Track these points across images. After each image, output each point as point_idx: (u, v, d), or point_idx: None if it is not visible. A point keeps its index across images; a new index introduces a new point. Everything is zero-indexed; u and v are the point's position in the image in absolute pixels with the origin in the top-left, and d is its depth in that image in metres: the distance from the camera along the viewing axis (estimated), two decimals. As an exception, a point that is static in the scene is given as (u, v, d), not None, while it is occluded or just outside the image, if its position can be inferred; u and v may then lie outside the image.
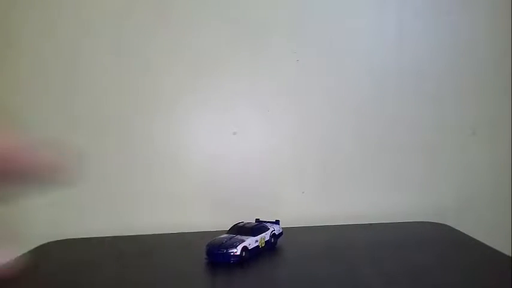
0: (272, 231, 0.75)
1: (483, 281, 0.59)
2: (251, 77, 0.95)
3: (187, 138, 0.96)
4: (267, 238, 0.73)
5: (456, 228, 0.86)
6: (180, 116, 0.95)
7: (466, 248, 0.75)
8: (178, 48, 0.94)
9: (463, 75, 0.97)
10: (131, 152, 0.94)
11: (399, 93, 0.96)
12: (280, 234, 0.78)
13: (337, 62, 0.96)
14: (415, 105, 0.97)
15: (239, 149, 0.96)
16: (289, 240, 0.78)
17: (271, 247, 0.74)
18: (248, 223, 0.75)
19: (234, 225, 0.75)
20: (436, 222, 0.91)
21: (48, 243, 0.86)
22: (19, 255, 0.78)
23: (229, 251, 0.66)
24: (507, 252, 0.69)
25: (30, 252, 0.80)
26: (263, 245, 0.72)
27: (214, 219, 0.89)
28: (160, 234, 0.89)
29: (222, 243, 0.67)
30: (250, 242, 0.69)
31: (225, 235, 0.71)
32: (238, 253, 0.66)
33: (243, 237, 0.69)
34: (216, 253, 0.67)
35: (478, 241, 0.76)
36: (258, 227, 0.73)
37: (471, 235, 0.80)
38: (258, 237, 0.71)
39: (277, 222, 0.79)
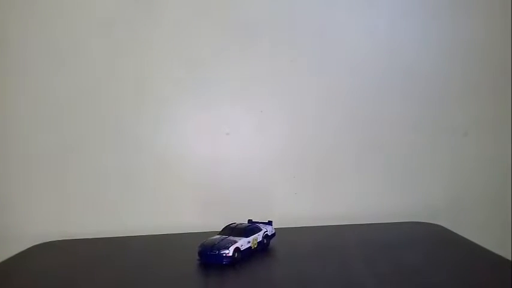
0: (265, 232, 0.75)
1: (475, 281, 0.60)
2: (244, 78, 0.95)
3: (179, 139, 0.95)
4: (260, 239, 0.73)
5: (448, 228, 0.86)
6: (173, 116, 0.95)
7: (457, 248, 0.75)
8: (170, 49, 0.94)
9: (455, 76, 0.97)
10: (123, 153, 0.94)
11: (391, 94, 0.97)
12: (273, 235, 0.78)
13: (330, 63, 0.96)
14: (407, 106, 0.97)
15: (232, 149, 0.95)
16: (282, 241, 0.78)
17: (263, 248, 0.74)
18: (240, 224, 0.75)
19: (227, 226, 0.75)
20: (428, 222, 0.91)
21: (38, 245, 0.85)
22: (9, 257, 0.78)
23: (222, 252, 0.65)
24: (498, 251, 0.69)
25: (20, 254, 0.80)
26: (256, 246, 0.72)
27: (207, 220, 0.88)
28: (152, 235, 0.88)
29: (214, 244, 0.67)
30: (243, 243, 0.68)
31: (217, 236, 0.71)
32: (230, 254, 0.65)
33: (236, 238, 0.69)
34: (208, 254, 0.66)
35: (469, 241, 0.77)
36: (250, 228, 0.73)
37: (463, 235, 0.80)
38: (251, 238, 0.71)
39: (270, 223, 0.79)
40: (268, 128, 0.96)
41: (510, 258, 0.66)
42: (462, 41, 0.97)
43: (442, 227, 0.88)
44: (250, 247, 0.70)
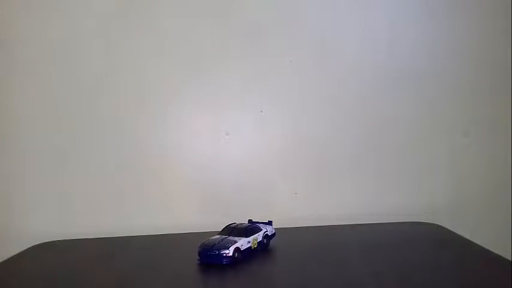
0: (265, 232, 0.75)
1: (474, 280, 0.60)
2: (243, 78, 0.95)
3: (179, 139, 0.95)
4: (260, 239, 0.73)
5: (448, 228, 0.86)
6: (173, 116, 0.95)
7: (457, 247, 0.75)
8: (170, 49, 0.94)
9: (455, 76, 0.97)
10: (123, 154, 0.94)
11: (391, 94, 0.97)
12: (273, 235, 0.78)
13: (330, 63, 0.96)
14: (406, 106, 0.97)
15: (232, 149, 0.96)
16: (282, 241, 0.78)
17: (264, 248, 0.74)
18: (241, 224, 0.75)
19: (227, 226, 0.75)
20: (428, 222, 0.91)
21: (38, 245, 0.85)
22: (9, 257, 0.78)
23: (222, 252, 0.65)
24: (498, 251, 0.69)
25: (20, 254, 0.80)
26: (256, 246, 0.72)
27: (207, 220, 0.88)
28: (152, 235, 0.88)
29: (215, 244, 0.67)
30: (243, 243, 0.68)
31: (217, 236, 0.71)
32: (230, 254, 0.65)
33: (236, 238, 0.69)
34: (208, 254, 0.66)
35: (469, 241, 0.77)
36: (250, 228, 0.73)
37: (463, 235, 0.80)
38: (251, 238, 0.71)
39: (270, 223, 0.79)
40: (268, 128, 0.96)
41: (510, 258, 0.66)
42: (462, 41, 0.97)
43: (442, 227, 0.88)
44: (250, 247, 0.70)
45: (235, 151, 0.96)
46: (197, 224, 0.89)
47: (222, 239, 0.69)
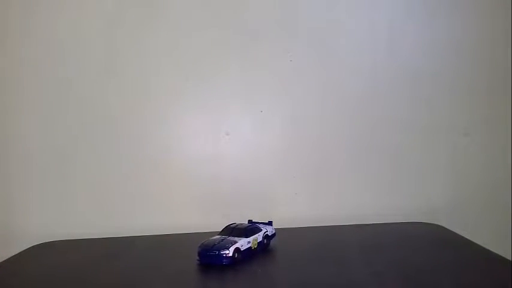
0: (265, 232, 0.75)
1: (475, 280, 0.60)
2: (243, 78, 0.95)
3: (180, 139, 0.95)
4: (260, 239, 0.73)
5: (448, 228, 0.86)
6: (173, 116, 0.95)
7: (457, 247, 0.75)
8: (170, 50, 0.94)
9: (455, 76, 0.97)
10: (124, 154, 0.94)
11: (391, 94, 0.97)
12: (273, 235, 0.78)
13: (330, 64, 0.96)
14: (407, 106, 0.97)
15: (232, 149, 0.96)
16: (282, 241, 0.78)
17: (264, 248, 0.74)
18: (241, 224, 0.75)
19: (227, 226, 0.75)
20: (428, 222, 0.91)
21: (38, 245, 0.85)
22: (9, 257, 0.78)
23: (222, 252, 0.65)
24: (498, 251, 0.69)
25: (20, 254, 0.80)
26: (256, 246, 0.72)
27: (207, 221, 0.88)
28: (152, 235, 0.88)
29: (214, 244, 0.67)
30: (243, 243, 0.68)
31: (217, 236, 0.71)
32: (230, 254, 0.65)
33: (236, 239, 0.69)
34: (208, 255, 0.66)
35: (469, 241, 0.77)
36: (250, 228, 0.73)
37: (463, 235, 0.80)
38: (251, 239, 0.71)
39: (270, 223, 0.79)
40: (268, 128, 0.96)
41: (510, 258, 0.66)
42: (461, 41, 0.97)
43: (442, 227, 0.88)
44: (250, 247, 0.70)
45: (235, 151, 0.96)
46: (197, 224, 0.89)
47: (222, 239, 0.68)
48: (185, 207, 0.95)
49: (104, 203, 0.94)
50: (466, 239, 0.78)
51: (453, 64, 0.97)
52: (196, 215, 0.94)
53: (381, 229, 0.88)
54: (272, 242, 0.77)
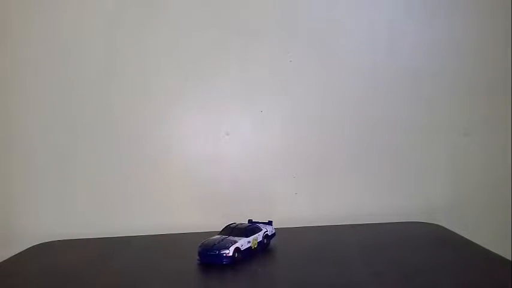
0: (265, 232, 0.75)
1: (474, 280, 0.60)
2: (243, 78, 0.95)
3: (179, 139, 0.95)
4: (260, 239, 0.73)
5: (448, 228, 0.86)
6: (173, 116, 0.95)
7: (457, 247, 0.75)
8: (170, 50, 0.94)
9: (455, 76, 0.97)
10: (124, 154, 0.94)
11: (391, 94, 0.97)
12: (273, 235, 0.78)
13: (330, 64, 0.96)
14: (407, 106, 0.97)
15: (232, 149, 0.96)
16: (282, 241, 0.78)
17: (264, 248, 0.74)
18: (241, 224, 0.75)
19: (227, 226, 0.75)
20: (428, 222, 0.91)
21: (38, 245, 0.85)
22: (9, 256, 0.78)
23: (222, 252, 0.65)
24: (498, 251, 0.69)
25: (20, 254, 0.80)
26: (256, 246, 0.72)
27: (207, 220, 0.88)
28: (152, 235, 0.88)
29: (214, 244, 0.67)
30: (243, 243, 0.68)
31: (217, 236, 0.71)
32: (230, 254, 0.65)
33: (236, 238, 0.69)
34: (208, 254, 0.66)
35: (469, 241, 0.77)
36: (250, 228, 0.73)
37: (463, 235, 0.80)
38: (251, 238, 0.71)
39: (270, 223, 0.79)
40: (268, 128, 0.96)
41: (510, 258, 0.66)
42: (461, 41, 0.97)
43: (442, 227, 0.88)
44: (250, 247, 0.70)
45: (235, 151, 0.96)
46: (197, 224, 0.89)
47: (222, 239, 0.69)
48: (185, 207, 0.95)
49: (104, 203, 0.94)
50: (466, 239, 0.78)
51: (453, 64, 0.97)
52: (196, 214, 0.94)
53: (380, 229, 0.88)
54: (272, 241, 0.77)
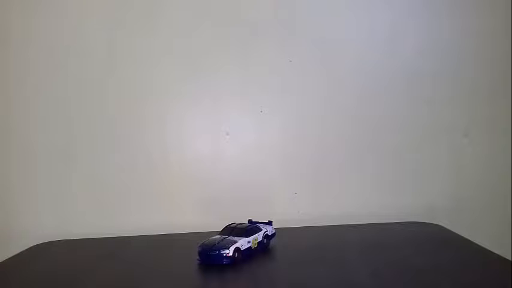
0: (265, 232, 0.75)
1: (474, 280, 0.60)
2: (243, 78, 0.95)
3: (179, 139, 0.95)
4: (260, 239, 0.73)
5: (448, 228, 0.86)
6: (173, 116, 0.95)
7: (458, 247, 0.75)
8: (171, 50, 0.94)
9: (456, 77, 0.97)
10: (123, 154, 0.94)
11: (391, 95, 0.97)
12: (273, 235, 0.78)
13: (330, 63, 0.96)
14: (407, 107, 0.97)
15: (232, 149, 0.96)
16: (282, 241, 0.78)
17: (264, 248, 0.74)
18: (241, 224, 0.75)
19: (227, 226, 0.75)
20: (428, 222, 0.91)
21: (38, 245, 0.85)
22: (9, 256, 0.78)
23: (222, 252, 0.65)
24: (498, 251, 0.69)
25: (20, 254, 0.80)
26: (256, 246, 0.72)
27: (207, 220, 0.89)
28: (152, 235, 0.88)
29: (215, 244, 0.67)
30: (243, 243, 0.68)
31: (217, 236, 0.71)
32: (230, 254, 0.65)
33: (236, 238, 0.69)
34: (209, 254, 0.66)
35: (469, 241, 0.77)
36: (250, 228, 0.73)
37: (463, 235, 0.80)
38: (251, 238, 0.71)
39: (270, 223, 0.79)
40: (268, 128, 0.96)
41: (510, 258, 0.66)
42: (462, 41, 0.97)
43: (442, 227, 0.88)
44: (250, 247, 0.70)
45: (235, 151, 0.96)
46: (197, 224, 0.89)
47: (222, 239, 0.69)
48: (185, 207, 0.95)
49: (104, 203, 0.94)
50: (466, 239, 0.78)
51: (453, 64, 0.97)
52: (196, 215, 0.94)
53: (380, 229, 0.88)
54: (272, 241, 0.77)
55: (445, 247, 0.75)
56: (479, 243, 0.74)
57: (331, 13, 0.96)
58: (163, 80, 0.94)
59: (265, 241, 0.74)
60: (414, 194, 0.98)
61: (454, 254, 0.71)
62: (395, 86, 0.97)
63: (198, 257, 0.68)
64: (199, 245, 0.68)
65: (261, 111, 0.96)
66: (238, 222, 0.76)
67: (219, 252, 0.65)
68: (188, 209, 0.95)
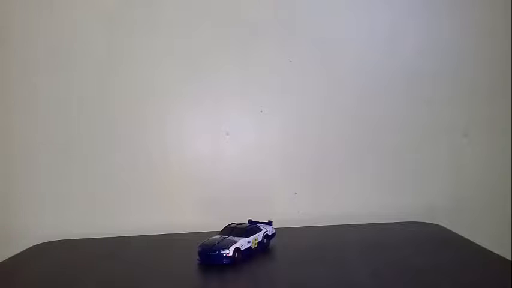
0: (265, 232, 0.75)
1: (474, 280, 0.60)
2: (244, 78, 0.95)
3: (179, 139, 0.95)
4: (260, 239, 0.73)
5: (448, 228, 0.86)
6: (173, 116, 0.95)
7: (458, 247, 0.75)
8: (171, 50, 0.94)
9: (456, 77, 0.97)
10: (123, 154, 0.94)
11: (391, 95, 0.97)
12: (273, 235, 0.78)
13: (330, 63, 0.96)
14: (407, 107, 0.97)
15: (232, 149, 0.96)
16: (282, 241, 0.78)
17: (264, 248, 0.74)
18: (241, 224, 0.75)
19: (227, 226, 0.75)
20: (428, 222, 0.91)
21: (38, 245, 0.85)
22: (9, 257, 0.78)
23: (222, 252, 0.65)
24: (498, 251, 0.69)
25: (20, 254, 0.80)
26: (256, 246, 0.72)
27: (207, 220, 0.89)
28: (152, 235, 0.88)
29: (215, 244, 0.67)
30: (243, 243, 0.68)
31: (217, 236, 0.71)
32: (230, 254, 0.66)
33: (236, 238, 0.69)
34: (209, 254, 0.66)
35: (469, 241, 0.77)
36: (250, 228, 0.73)
37: (463, 235, 0.80)
38: (251, 238, 0.71)
39: (270, 223, 0.79)
40: (268, 128, 0.96)
41: (510, 258, 0.66)
42: (462, 41, 0.97)
43: (442, 227, 0.88)
44: (250, 247, 0.70)
45: (235, 151, 0.96)
46: (197, 224, 0.89)
47: (222, 239, 0.69)
48: (185, 207, 0.95)
49: (103, 203, 0.94)
50: (466, 239, 0.78)
51: (453, 64, 0.97)
52: (196, 215, 0.94)
53: (380, 229, 0.88)
54: (272, 241, 0.77)
55: (445, 247, 0.75)
56: (479, 243, 0.74)
57: (331, 13, 0.96)
58: (163, 80, 0.94)
59: (265, 241, 0.74)
60: (414, 194, 0.98)
61: (454, 254, 0.71)
62: (395, 86, 0.97)
63: (198, 257, 0.68)
64: (199, 245, 0.68)
65: (261, 111, 0.96)
66: (238, 222, 0.76)
67: (219, 252, 0.65)
68: (188, 209, 0.95)
